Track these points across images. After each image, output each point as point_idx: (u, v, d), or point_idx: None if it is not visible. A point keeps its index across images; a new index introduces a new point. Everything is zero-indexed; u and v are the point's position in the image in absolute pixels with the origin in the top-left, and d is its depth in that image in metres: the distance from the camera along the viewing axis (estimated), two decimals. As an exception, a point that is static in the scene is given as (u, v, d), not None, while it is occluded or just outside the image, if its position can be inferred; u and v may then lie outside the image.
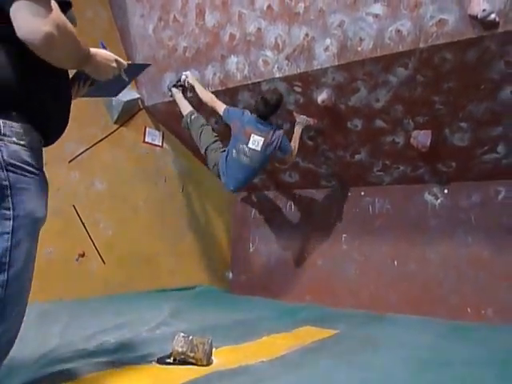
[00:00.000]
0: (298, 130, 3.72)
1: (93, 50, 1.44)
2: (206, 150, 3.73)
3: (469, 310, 3.67)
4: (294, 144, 3.67)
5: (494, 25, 2.68)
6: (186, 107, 3.90)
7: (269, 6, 3.40)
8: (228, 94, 3.85)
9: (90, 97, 1.87)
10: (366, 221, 4.25)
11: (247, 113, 3.55)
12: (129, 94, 4.14)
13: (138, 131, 4.36)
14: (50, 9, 1.19)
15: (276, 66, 3.48)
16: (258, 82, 3.64)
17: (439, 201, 3.97)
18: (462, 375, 1.98)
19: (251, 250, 4.98)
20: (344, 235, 4.31)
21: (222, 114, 3.65)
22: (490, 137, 3.41)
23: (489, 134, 3.40)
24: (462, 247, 3.79)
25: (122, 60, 1.60)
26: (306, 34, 3.30)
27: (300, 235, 4.61)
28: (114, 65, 1.54)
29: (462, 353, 2.38)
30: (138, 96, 4.29)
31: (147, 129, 4.44)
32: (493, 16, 2.65)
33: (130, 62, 1.68)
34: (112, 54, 1.55)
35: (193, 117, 3.83)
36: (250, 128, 3.47)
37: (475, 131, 3.41)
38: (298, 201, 4.71)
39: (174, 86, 3.96)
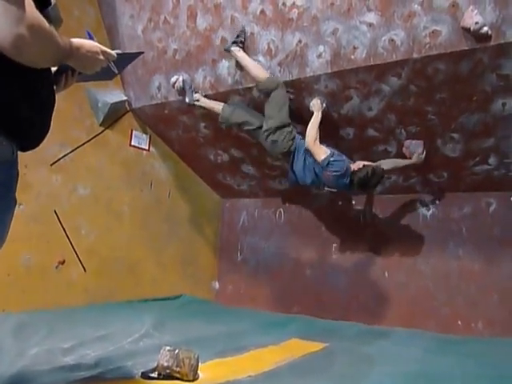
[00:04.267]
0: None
1: (77, 41, 1.34)
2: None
3: (459, 322, 3.66)
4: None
5: (486, 38, 2.70)
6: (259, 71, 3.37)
7: (262, 11, 3.35)
8: (219, 99, 3.78)
9: (84, 81, 1.75)
10: (356, 230, 4.21)
11: (348, 165, 3.29)
12: (116, 95, 4.05)
13: (124, 134, 4.25)
14: (22, 7, 1.07)
15: (268, 71, 3.43)
16: (250, 87, 3.58)
17: (431, 212, 3.96)
18: None
19: (239, 258, 4.90)
20: (334, 245, 4.27)
21: (322, 161, 3.25)
22: (482, 148, 3.42)
23: (480, 146, 3.41)
24: (453, 259, 3.79)
25: (110, 51, 1.49)
26: (299, 41, 3.26)
27: (289, 244, 4.55)
28: (101, 57, 1.44)
29: (453, 367, 2.36)
30: (125, 98, 4.19)
31: (134, 132, 4.33)
32: (485, 29, 2.66)
33: (120, 52, 1.58)
34: (99, 45, 1.44)
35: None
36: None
37: (467, 142, 3.42)
38: (288, 209, 4.64)
39: (234, 42, 3.39)
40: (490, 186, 3.68)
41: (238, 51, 3.38)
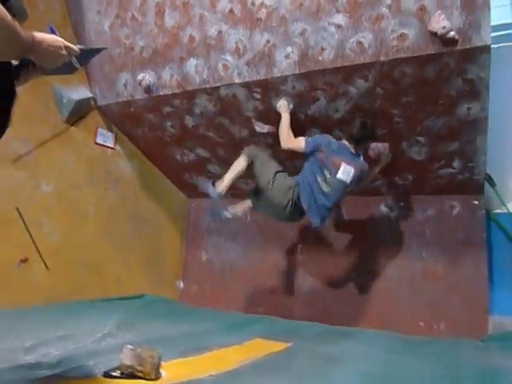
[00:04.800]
0: None
1: (40, 35, 1.31)
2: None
3: (422, 324, 3.72)
4: None
5: (452, 42, 2.73)
6: None
7: (231, 10, 3.31)
8: (185, 97, 3.74)
9: (46, 75, 1.73)
10: (322, 231, 4.21)
11: (332, 139, 3.27)
12: (81, 92, 3.95)
13: (89, 132, 4.15)
14: None
15: (236, 71, 3.40)
16: (217, 87, 3.54)
17: (395, 214, 4.01)
18: None
19: (204, 258, 4.86)
20: (300, 245, 4.26)
21: (303, 148, 3.24)
22: (447, 152, 3.48)
23: (445, 149, 3.46)
24: (416, 261, 3.84)
25: (72, 46, 1.46)
26: (267, 41, 3.24)
27: (255, 245, 4.53)
28: (64, 52, 1.40)
29: (414, 367, 2.39)
30: (90, 95, 4.10)
31: (99, 129, 4.24)
32: (452, 34, 2.70)
33: (82, 47, 1.55)
34: (61, 40, 1.40)
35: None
36: (339, 157, 3.19)
37: (432, 146, 3.47)
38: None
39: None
40: (454, 189, 3.75)
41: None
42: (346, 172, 3.17)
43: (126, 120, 4.19)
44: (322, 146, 3.21)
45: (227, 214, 3.44)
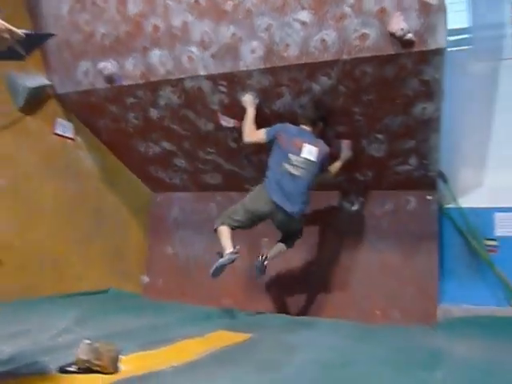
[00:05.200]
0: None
1: None
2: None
3: (377, 312, 3.88)
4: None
5: (410, 44, 2.84)
6: None
7: (196, 1, 3.28)
8: (149, 89, 3.68)
9: None
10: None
11: (290, 125, 3.36)
12: (37, 80, 3.80)
13: (47, 121, 3.99)
14: None
15: (201, 63, 3.39)
16: (182, 78, 3.51)
17: (355, 208, 4.13)
18: (364, 373, 2.11)
19: (169, 252, 4.82)
20: (265, 239, 4.32)
21: (264, 138, 3.36)
22: (404, 149, 3.61)
23: (402, 147, 3.60)
24: (374, 253, 3.99)
25: (15, 30, 1.40)
26: (234, 34, 3.25)
27: (220, 239, 4.54)
28: (6, 35, 1.35)
29: (366, 353, 2.50)
30: (47, 82, 3.93)
31: (58, 119, 4.08)
32: (410, 35, 2.80)
33: (27, 32, 1.49)
34: (2, 23, 1.35)
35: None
36: (300, 139, 3.28)
37: (390, 143, 3.59)
38: (220, 203, 4.63)
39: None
40: (410, 185, 3.91)
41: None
42: (310, 151, 3.29)
43: (87, 110, 4.06)
44: (281, 131, 3.32)
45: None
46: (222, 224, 3.42)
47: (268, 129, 3.38)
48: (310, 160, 3.28)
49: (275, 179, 3.31)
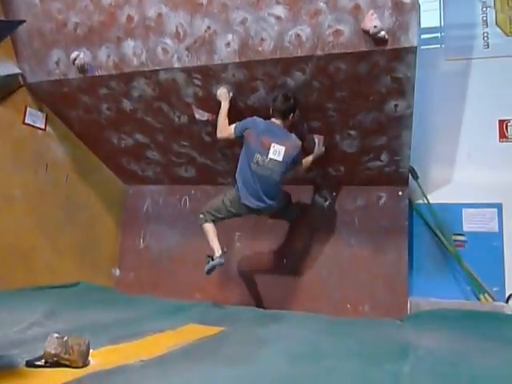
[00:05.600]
0: None
1: None
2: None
3: (348, 306, 3.94)
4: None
5: (383, 41, 2.87)
6: None
7: (171, -8, 3.25)
8: (123, 80, 3.63)
9: None
10: (258, 219, 4.30)
11: (260, 119, 3.34)
12: (7, 68, 3.71)
13: (17, 111, 3.90)
14: None
15: (176, 55, 3.36)
16: (156, 70, 3.48)
17: (328, 203, 4.18)
18: (334, 366, 2.12)
19: (141, 246, 4.78)
20: (238, 233, 4.33)
21: (233, 133, 3.37)
22: (375, 145, 3.67)
23: (374, 143, 3.65)
24: (345, 247, 4.05)
25: None
26: (208, 27, 3.24)
27: (193, 232, 4.51)
28: None
29: (336, 346, 2.52)
30: (18, 71, 3.85)
31: (28, 109, 3.99)
32: (383, 33, 2.84)
33: None
34: None
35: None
36: (268, 138, 3.28)
37: (362, 139, 3.64)
38: (194, 197, 4.62)
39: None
40: (382, 180, 3.97)
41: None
42: (277, 152, 3.29)
43: (59, 100, 3.99)
44: (249, 129, 3.32)
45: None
46: (206, 221, 3.53)
47: (237, 124, 3.37)
48: (276, 160, 3.30)
49: (244, 182, 3.39)
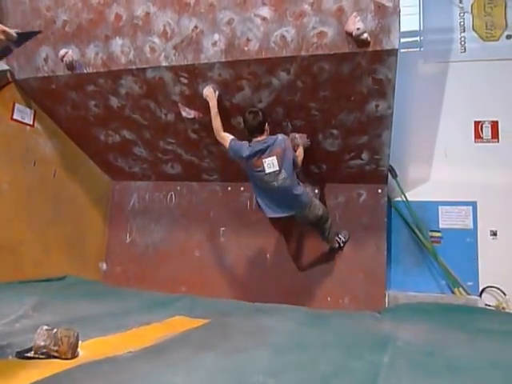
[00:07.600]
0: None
1: None
2: None
3: (329, 299, 4.05)
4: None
5: (365, 43, 2.96)
6: None
7: (158, -8, 3.31)
8: (110, 77, 3.67)
9: None
10: (243, 215, 4.40)
11: (245, 146, 3.38)
12: (-5, 63, 3.72)
13: (5, 107, 3.92)
14: None
15: (163, 54, 3.41)
16: (144, 68, 3.52)
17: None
18: (315, 357, 2.19)
19: (128, 240, 4.84)
20: (223, 228, 4.41)
21: (228, 149, 3.47)
22: (357, 144, 3.77)
23: (355, 142, 3.75)
24: (326, 243, 4.13)
25: (10, 31, 1.51)
26: (196, 26, 3.29)
27: (179, 227, 4.60)
28: (1, 37, 1.46)
29: (317, 338, 2.61)
30: (6, 68, 3.86)
31: (16, 105, 4.01)
32: (365, 35, 2.92)
33: (19, 31, 1.60)
34: (0, 26, 1.44)
35: None
36: (256, 158, 3.34)
37: (344, 138, 3.74)
38: (179, 193, 4.69)
39: None
40: (362, 178, 4.08)
41: None
42: (270, 164, 3.33)
43: (47, 97, 4.01)
44: (239, 159, 3.44)
45: None
46: None
47: (231, 143, 3.43)
48: (275, 171, 3.34)
49: (262, 198, 3.54)
